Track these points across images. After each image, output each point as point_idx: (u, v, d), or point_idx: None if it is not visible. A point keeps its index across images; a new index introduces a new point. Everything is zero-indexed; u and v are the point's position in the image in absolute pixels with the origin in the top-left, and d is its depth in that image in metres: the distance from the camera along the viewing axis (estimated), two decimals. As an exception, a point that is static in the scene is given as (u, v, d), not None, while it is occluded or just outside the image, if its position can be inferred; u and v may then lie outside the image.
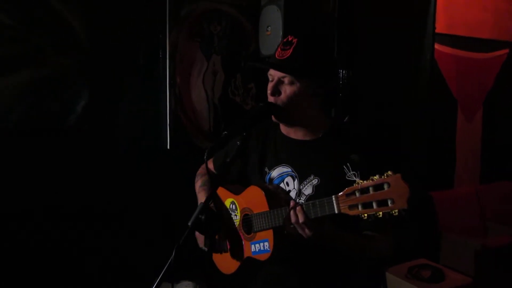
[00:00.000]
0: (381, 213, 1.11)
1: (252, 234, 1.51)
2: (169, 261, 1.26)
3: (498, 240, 3.60)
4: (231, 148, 1.61)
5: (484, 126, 4.60)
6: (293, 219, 1.27)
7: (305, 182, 1.47)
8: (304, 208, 1.28)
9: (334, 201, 1.21)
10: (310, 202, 1.28)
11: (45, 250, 2.53)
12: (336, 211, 1.21)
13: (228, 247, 1.62)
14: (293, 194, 1.49)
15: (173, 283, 1.27)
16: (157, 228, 2.80)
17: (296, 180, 1.49)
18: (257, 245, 1.49)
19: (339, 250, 1.41)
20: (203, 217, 1.33)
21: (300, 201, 1.46)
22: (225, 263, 1.64)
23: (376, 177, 1.14)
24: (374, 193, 1.12)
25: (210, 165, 1.83)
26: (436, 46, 3.92)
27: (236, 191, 1.60)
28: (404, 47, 3.60)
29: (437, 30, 3.82)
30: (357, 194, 1.15)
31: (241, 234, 1.57)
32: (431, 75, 3.83)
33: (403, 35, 3.58)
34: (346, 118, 3.09)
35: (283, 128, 1.56)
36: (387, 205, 1.10)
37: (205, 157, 1.37)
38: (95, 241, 2.65)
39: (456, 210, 3.93)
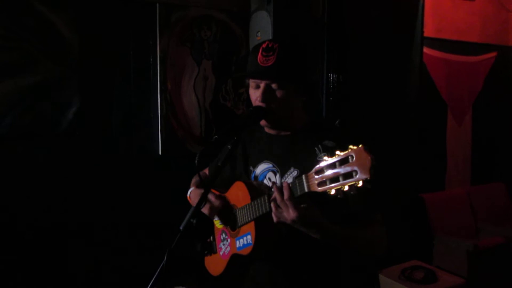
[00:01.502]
0: (346, 186, 1.08)
1: (236, 230, 1.51)
2: (161, 265, 1.26)
3: (490, 240, 3.63)
4: (222, 152, 1.61)
5: (474, 129, 4.65)
6: (278, 198, 1.25)
7: (285, 175, 1.48)
8: (288, 186, 1.25)
9: (303, 179, 1.21)
10: (291, 182, 1.27)
11: (33, 256, 2.52)
12: (306, 190, 1.20)
13: (218, 247, 1.63)
14: None
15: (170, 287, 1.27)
16: (148, 234, 2.79)
17: (277, 174, 1.50)
18: (241, 240, 1.48)
19: (328, 242, 1.37)
20: (194, 221, 1.33)
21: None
22: (214, 264, 1.64)
23: (339, 152, 1.12)
24: (340, 168, 1.10)
25: (206, 171, 1.85)
26: (425, 50, 3.96)
27: (224, 191, 1.62)
28: (393, 51, 3.63)
29: (425, 34, 3.87)
30: (325, 171, 1.14)
31: (227, 232, 1.57)
32: (421, 79, 3.87)
33: (392, 40, 3.61)
34: (337, 122, 3.11)
35: (267, 127, 1.57)
36: (352, 177, 1.07)
37: (196, 161, 1.37)
38: (86, 247, 2.64)
39: (447, 212, 3.96)
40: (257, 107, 1.47)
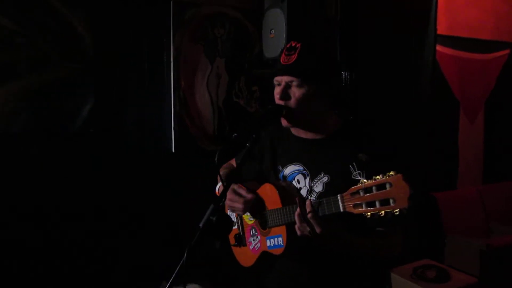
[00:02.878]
0: (383, 212, 1.13)
1: (267, 229, 1.57)
2: (181, 262, 1.26)
3: (503, 239, 3.60)
4: (242, 150, 1.62)
5: (486, 127, 4.61)
6: (302, 214, 1.29)
7: (315, 180, 1.49)
8: (313, 204, 1.30)
9: (339, 200, 1.24)
10: (318, 200, 1.31)
11: (51, 252, 2.54)
12: (342, 210, 1.23)
13: (247, 241, 1.69)
14: (304, 192, 1.52)
15: (185, 285, 1.29)
16: (163, 232, 2.81)
17: (307, 177, 1.51)
18: (272, 240, 1.55)
19: (348, 254, 1.43)
20: (214, 218, 1.34)
21: (311, 198, 1.48)
22: (244, 256, 1.72)
23: (379, 177, 1.15)
24: (377, 193, 1.14)
25: (233, 162, 1.87)
26: (438, 47, 3.94)
27: (253, 188, 1.64)
28: (406, 49, 3.61)
29: (438, 32, 3.84)
30: (361, 193, 1.18)
31: (257, 229, 1.63)
32: (433, 76, 3.84)
33: (405, 37, 3.59)
34: (350, 118, 3.09)
35: (293, 129, 1.58)
36: (389, 204, 1.11)
37: (215, 159, 1.38)
38: (102, 244, 2.66)
39: (459, 211, 3.93)
40: (277, 105, 1.48)
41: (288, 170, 1.57)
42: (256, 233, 1.65)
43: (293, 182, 1.54)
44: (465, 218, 3.93)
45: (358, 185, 1.18)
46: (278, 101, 1.48)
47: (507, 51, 4.72)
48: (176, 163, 2.89)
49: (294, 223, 1.35)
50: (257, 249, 1.64)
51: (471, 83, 4.43)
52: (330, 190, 1.43)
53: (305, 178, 1.52)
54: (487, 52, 4.56)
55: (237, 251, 1.77)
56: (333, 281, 1.54)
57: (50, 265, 2.53)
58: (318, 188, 1.48)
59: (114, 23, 2.66)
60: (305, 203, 1.29)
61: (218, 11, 2.95)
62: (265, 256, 1.61)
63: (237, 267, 1.74)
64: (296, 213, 1.31)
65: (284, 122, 1.50)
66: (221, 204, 1.42)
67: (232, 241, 1.77)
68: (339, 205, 1.24)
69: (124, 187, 2.72)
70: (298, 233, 1.32)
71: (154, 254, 2.72)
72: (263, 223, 1.58)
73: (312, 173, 1.50)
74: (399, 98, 3.56)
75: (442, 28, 3.99)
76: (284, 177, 1.58)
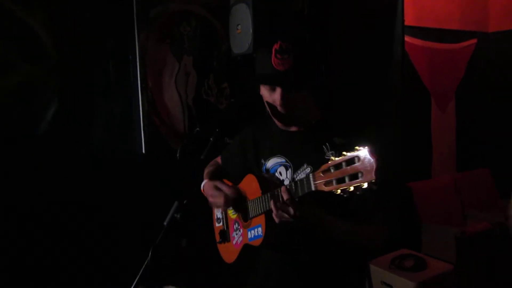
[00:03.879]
0: (352, 187, 1.10)
1: (248, 221, 1.55)
2: (146, 262, 1.24)
3: (477, 226, 3.66)
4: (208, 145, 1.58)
5: (458, 116, 4.68)
6: (275, 199, 1.29)
7: (298, 171, 1.48)
8: (288, 188, 1.28)
9: (311, 179, 1.21)
10: (293, 182, 1.28)
11: (16, 260, 2.45)
12: (313, 188, 1.21)
13: (231, 236, 1.67)
14: (286, 183, 1.49)
15: (160, 287, 1.25)
16: (133, 235, 2.74)
17: (289, 169, 1.50)
18: (252, 231, 1.53)
19: (330, 237, 1.40)
20: (178, 216, 1.31)
21: None
22: (228, 252, 1.69)
23: (347, 152, 1.13)
24: (346, 168, 1.11)
25: (218, 160, 1.88)
26: (406, 38, 3.97)
27: (236, 182, 1.65)
28: (375, 41, 3.63)
29: (406, 23, 3.87)
30: (332, 170, 1.15)
31: (240, 222, 1.61)
32: (403, 67, 3.87)
33: (374, 29, 3.61)
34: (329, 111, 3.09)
35: (278, 122, 1.56)
36: (358, 178, 1.09)
37: (177, 155, 1.35)
38: (69, 248, 2.58)
39: (435, 199, 3.98)
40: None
41: (271, 163, 1.57)
42: (239, 227, 1.63)
43: (276, 174, 1.54)
44: (440, 206, 3.98)
45: (329, 162, 1.16)
46: (278, 107, 1.42)
47: (474, 41, 4.80)
48: (147, 164, 2.83)
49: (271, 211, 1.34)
50: (239, 243, 1.61)
51: (441, 73, 4.49)
52: None
53: (287, 170, 1.51)
54: (455, 42, 4.63)
55: (221, 247, 1.75)
56: (314, 271, 1.53)
57: (16, 271, 2.44)
58: None
59: (76, 23, 2.58)
60: (280, 189, 1.28)
61: (183, 8, 2.90)
62: (246, 250, 1.58)
63: (219, 265, 1.71)
64: (272, 201, 1.30)
65: (279, 124, 1.50)
66: (185, 201, 1.40)
67: (217, 238, 1.75)
68: (310, 184, 1.21)
69: (93, 190, 2.64)
70: (276, 220, 1.30)
71: (125, 256, 2.65)
72: (245, 215, 1.56)
73: (295, 165, 1.50)
74: (370, 90, 3.57)
75: (409, 19, 4.03)
76: (267, 170, 1.57)
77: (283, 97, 1.38)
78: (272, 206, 1.29)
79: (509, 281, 3.49)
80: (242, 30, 2.76)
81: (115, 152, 2.75)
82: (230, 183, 1.64)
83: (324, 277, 1.54)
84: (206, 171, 1.81)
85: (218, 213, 1.76)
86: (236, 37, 2.81)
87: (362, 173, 1.07)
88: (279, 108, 1.41)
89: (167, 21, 2.84)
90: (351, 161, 1.10)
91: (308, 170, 1.45)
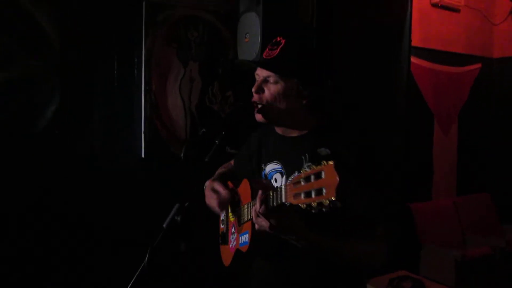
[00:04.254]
0: (315, 203, 1.03)
1: (241, 226, 1.52)
2: (143, 264, 1.19)
3: (477, 250, 3.61)
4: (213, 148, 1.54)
5: (460, 139, 4.66)
6: (256, 208, 1.23)
7: (291, 178, 1.45)
8: (264, 196, 1.23)
9: (283, 190, 1.16)
10: (271, 191, 1.22)
11: (9, 261, 2.38)
12: (284, 200, 1.15)
13: (229, 239, 1.65)
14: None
15: None
16: (132, 239, 2.67)
17: (283, 176, 1.48)
18: (242, 236, 1.50)
19: (323, 255, 1.35)
20: (179, 218, 1.26)
21: None
22: (225, 254, 1.67)
23: (317, 166, 1.06)
24: (313, 182, 1.05)
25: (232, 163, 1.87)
26: (412, 59, 3.97)
27: (238, 185, 1.63)
28: (381, 59, 3.62)
29: (412, 44, 3.87)
30: (302, 183, 1.08)
31: (236, 226, 1.59)
32: (408, 87, 3.86)
33: (381, 47, 3.60)
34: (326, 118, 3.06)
35: (276, 127, 1.56)
36: (322, 194, 1.02)
37: (181, 154, 1.31)
38: (66, 251, 2.51)
39: (434, 222, 3.93)
40: (246, 102, 1.44)
41: (268, 168, 1.55)
42: (235, 231, 1.61)
43: (272, 181, 1.52)
44: (440, 228, 3.93)
45: (299, 174, 1.10)
46: (254, 94, 1.45)
47: (478, 65, 4.81)
48: (147, 169, 2.77)
49: None
50: (233, 247, 1.59)
51: (445, 96, 4.48)
52: None
53: (282, 176, 1.49)
54: (460, 65, 4.64)
55: (222, 249, 1.74)
56: (306, 282, 1.47)
57: (11, 274, 2.37)
58: None
59: (83, 20, 2.55)
60: (259, 197, 1.22)
61: (192, 13, 2.88)
62: (238, 255, 1.55)
63: (217, 269, 1.67)
64: (253, 208, 1.27)
65: (258, 117, 1.45)
66: (186, 204, 1.34)
67: (219, 239, 1.74)
68: (282, 196, 1.15)
69: (91, 192, 2.58)
70: (256, 227, 1.27)
71: (122, 261, 2.57)
72: (239, 220, 1.54)
73: (288, 171, 1.47)
74: (375, 108, 3.55)
75: (416, 40, 4.04)
76: (266, 176, 1.56)
77: (258, 84, 1.43)
78: (253, 213, 1.25)
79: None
80: (250, 39, 2.74)
81: (115, 155, 2.70)
82: (231, 185, 1.62)
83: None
84: (217, 171, 1.80)
85: (222, 214, 1.75)
86: (244, 46, 2.80)
87: (325, 188, 1.01)
88: (253, 91, 1.43)
89: (174, 25, 2.82)
90: (318, 175, 1.03)
91: None
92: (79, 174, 2.56)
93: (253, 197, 1.40)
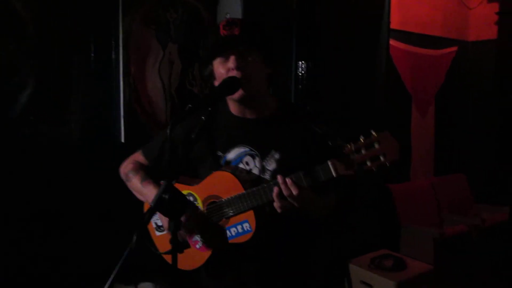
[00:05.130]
0: (375, 167, 1.23)
1: (224, 220, 1.47)
2: (128, 248, 1.14)
3: (455, 229, 3.70)
4: (191, 127, 1.50)
5: (437, 121, 4.74)
6: (286, 192, 1.30)
7: (267, 158, 1.46)
8: (295, 180, 1.31)
9: (331, 166, 1.28)
10: (300, 172, 1.32)
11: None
12: (335, 175, 1.28)
13: (191, 241, 1.54)
14: (256, 172, 1.47)
15: (136, 284, 1.17)
16: (111, 227, 2.63)
17: (257, 158, 1.47)
18: (233, 229, 1.45)
19: (312, 214, 1.45)
20: (167, 196, 1.23)
21: (264, 177, 1.46)
22: (188, 259, 1.54)
23: (363, 137, 1.23)
24: (366, 152, 1.22)
25: (140, 159, 1.73)
26: (391, 41, 3.98)
27: (190, 182, 1.55)
28: (361, 41, 3.62)
29: (391, 26, 3.88)
30: (351, 156, 1.25)
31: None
32: (387, 70, 3.88)
33: (360, 30, 3.60)
34: (307, 108, 3.05)
35: (235, 109, 1.52)
36: (379, 159, 1.21)
37: (167, 130, 1.27)
38: (41, 240, 2.46)
39: (413, 202, 4.01)
40: (232, 77, 1.39)
41: (233, 154, 1.50)
42: None
43: (241, 165, 1.48)
44: (418, 208, 4.01)
45: (347, 149, 1.24)
46: (232, 73, 1.40)
47: (455, 48, 4.88)
48: (126, 154, 2.71)
49: (267, 204, 1.36)
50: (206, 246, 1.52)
51: (422, 78, 4.53)
52: (285, 165, 1.43)
53: (254, 158, 1.47)
54: (437, 48, 4.69)
55: (180, 257, 1.55)
56: (291, 272, 1.54)
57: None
58: (271, 166, 1.46)
59: (58, 2, 2.47)
60: (286, 183, 1.30)
61: (170, -6, 2.82)
62: (221, 250, 1.50)
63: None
64: (274, 194, 1.32)
65: (238, 94, 1.41)
66: (173, 182, 1.32)
67: (161, 248, 1.60)
68: (331, 171, 1.28)
69: (69, 179, 2.52)
70: (279, 210, 1.33)
71: (101, 250, 2.53)
72: (218, 215, 1.47)
73: (262, 152, 1.47)
74: (354, 90, 3.56)
75: (394, 23, 4.05)
76: (228, 162, 1.50)
77: (237, 59, 1.39)
78: (277, 199, 1.31)
79: (484, 281, 3.54)
80: (230, 19, 2.70)
81: (93, 140, 2.64)
82: (186, 187, 1.52)
83: (300, 276, 1.56)
84: (136, 180, 1.65)
85: (157, 221, 1.61)
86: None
87: (385, 154, 1.20)
88: (235, 72, 1.38)
89: (153, 6, 2.76)
90: (370, 145, 1.22)
91: (276, 156, 1.45)
92: (56, 160, 2.50)
93: (247, 187, 1.40)
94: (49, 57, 2.47)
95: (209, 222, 1.49)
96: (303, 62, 3.20)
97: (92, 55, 2.60)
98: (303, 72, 3.20)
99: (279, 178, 1.31)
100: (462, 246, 3.60)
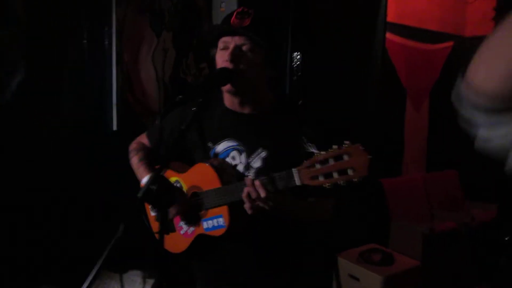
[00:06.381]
0: (342, 181, 1.16)
1: (203, 211, 1.48)
2: (116, 237, 1.14)
3: (444, 225, 3.71)
4: (185, 116, 1.49)
5: (431, 116, 4.74)
6: (253, 195, 1.26)
7: (253, 156, 1.45)
8: (264, 183, 1.26)
9: (295, 174, 1.23)
10: (269, 176, 1.27)
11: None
12: (298, 183, 1.23)
13: (177, 226, 1.58)
14: (240, 168, 1.47)
15: (121, 273, 1.16)
16: (102, 216, 2.62)
17: (243, 154, 1.46)
18: (209, 221, 1.47)
19: (291, 216, 1.46)
20: (155, 187, 1.22)
21: (248, 174, 1.45)
22: (174, 242, 1.59)
23: (335, 147, 1.17)
24: (334, 163, 1.16)
25: (144, 141, 1.76)
26: (387, 34, 3.97)
27: (180, 170, 1.57)
28: (357, 34, 3.60)
29: (388, 19, 3.86)
30: (317, 166, 1.18)
31: None
32: (383, 63, 3.87)
33: (357, 22, 3.58)
34: (300, 102, 3.04)
35: (229, 102, 1.52)
36: (347, 173, 1.14)
37: (157, 121, 1.26)
38: (33, 225, 2.44)
39: (404, 197, 4.01)
40: (224, 68, 1.38)
41: (221, 146, 1.50)
42: None
43: (227, 159, 1.48)
44: (409, 203, 4.02)
45: (314, 158, 1.19)
46: (225, 64, 1.39)
47: (451, 43, 4.87)
48: (118, 142, 2.69)
49: (239, 202, 1.32)
50: (191, 232, 1.54)
51: (417, 72, 4.52)
52: (270, 165, 1.41)
53: (240, 154, 1.47)
54: (433, 43, 4.67)
55: (166, 238, 1.63)
56: (280, 263, 1.54)
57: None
58: (257, 164, 1.45)
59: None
60: (255, 185, 1.26)
61: (165, -19, 2.78)
62: (201, 239, 1.51)
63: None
64: (244, 194, 1.29)
65: (228, 87, 1.41)
66: (162, 173, 1.31)
67: (155, 228, 1.63)
68: (295, 179, 1.23)
69: (60, 168, 2.50)
70: (249, 212, 1.30)
71: (92, 239, 2.52)
72: (198, 206, 1.48)
73: (249, 149, 1.46)
74: (349, 82, 3.55)
75: (391, 15, 4.03)
76: (216, 154, 1.50)
77: (233, 51, 1.37)
78: (246, 200, 1.28)
79: (472, 279, 3.57)
80: (226, 9, 2.68)
81: (85, 128, 2.61)
82: (175, 174, 1.55)
83: (289, 267, 1.56)
84: (134, 160, 1.69)
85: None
86: (219, 16, 2.73)
87: (353, 168, 1.13)
88: (228, 63, 1.37)
89: (147, -7, 2.72)
90: (339, 157, 1.15)
91: (263, 154, 1.43)
92: (46, 149, 2.47)
93: (224, 182, 1.40)
94: (41, 44, 2.43)
95: (190, 211, 1.50)
96: (298, 53, 3.18)
97: (85, 42, 2.57)
98: (298, 63, 3.19)
99: (247, 180, 1.28)
100: (451, 242, 3.62)
